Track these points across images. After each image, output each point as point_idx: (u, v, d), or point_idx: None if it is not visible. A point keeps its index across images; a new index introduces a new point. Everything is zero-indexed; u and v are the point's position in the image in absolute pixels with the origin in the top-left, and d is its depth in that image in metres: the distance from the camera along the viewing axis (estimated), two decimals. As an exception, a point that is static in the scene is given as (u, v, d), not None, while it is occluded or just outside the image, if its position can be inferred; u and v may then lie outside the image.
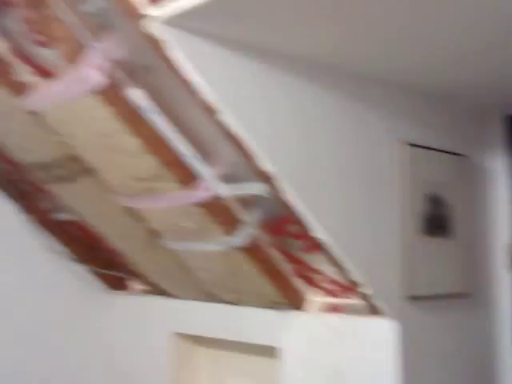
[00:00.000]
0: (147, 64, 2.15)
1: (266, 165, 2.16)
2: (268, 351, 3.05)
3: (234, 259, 2.80)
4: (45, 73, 2.44)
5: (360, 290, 2.55)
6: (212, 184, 2.54)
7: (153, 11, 1.83)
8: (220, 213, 2.62)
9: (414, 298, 2.66)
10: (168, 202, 2.64)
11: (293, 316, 2.91)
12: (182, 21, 1.83)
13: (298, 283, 2.88)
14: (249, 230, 2.69)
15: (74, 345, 3.69)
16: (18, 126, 2.71)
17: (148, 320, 3.62)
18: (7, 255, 3.44)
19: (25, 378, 3.46)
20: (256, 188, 2.45)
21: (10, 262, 3.45)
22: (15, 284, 3.47)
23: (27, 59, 2.44)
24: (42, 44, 2.32)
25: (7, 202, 3.41)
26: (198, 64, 1.91)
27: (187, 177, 2.51)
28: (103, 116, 2.36)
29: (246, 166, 2.30)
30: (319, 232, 2.34)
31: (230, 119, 2.01)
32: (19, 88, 2.49)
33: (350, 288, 2.69)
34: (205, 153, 2.46)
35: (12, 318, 3.44)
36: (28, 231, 3.38)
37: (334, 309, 2.83)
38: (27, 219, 3.35)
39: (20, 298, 3.49)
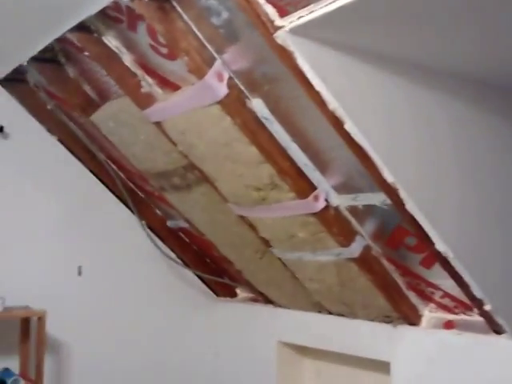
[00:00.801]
0: (270, 74, 2.18)
1: (387, 175, 2.12)
2: (377, 366, 2.99)
3: (346, 270, 2.78)
4: (168, 84, 2.54)
5: (480, 305, 2.45)
6: (328, 194, 2.54)
7: (280, 22, 1.85)
8: (334, 223, 2.61)
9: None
10: (283, 212, 2.66)
11: (405, 331, 2.84)
12: (308, 30, 1.85)
13: (412, 297, 2.82)
14: (363, 241, 2.67)
15: (181, 348, 3.78)
16: (142, 137, 2.82)
17: (255, 328, 3.66)
18: (122, 259, 3.58)
19: (136, 377, 3.58)
20: (373, 198, 2.43)
21: (125, 266, 3.59)
22: (129, 286, 3.61)
23: (152, 71, 2.55)
24: (167, 56, 2.42)
25: (124, 209, 3.55)
26: (323, 73, 1.92)
27: (303, 187, 2.52)
28: (223, 126, 2.41)
29: (365, 176, 2.28)
30: (439, 245, 2.28)
31: (354, 129, 2.00)
32: (144, 99, 2.59)
33: (467, 303, 2.60)
34: (322, 163, 2.47)
35: (124, 318, 3.58)
36: (143, 237, 3.50)
37: (449, 325, 2.74)
38: (142, 225, 3.48)
39: (133, 299, 3.62)
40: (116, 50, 2.52)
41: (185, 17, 2.18)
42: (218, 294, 3.94)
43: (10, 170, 3.23)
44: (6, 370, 3.00)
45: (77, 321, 3.37)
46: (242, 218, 2.95)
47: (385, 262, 2.72)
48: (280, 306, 3.53)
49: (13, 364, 3.05)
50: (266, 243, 3.02)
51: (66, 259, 3.39)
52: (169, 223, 3.67)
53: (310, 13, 1.74)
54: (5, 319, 3.03)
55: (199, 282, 3.87)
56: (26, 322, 3.06)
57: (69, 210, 3.41)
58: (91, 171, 3.45)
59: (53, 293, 3.27)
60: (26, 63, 2.83)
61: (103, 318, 3.50)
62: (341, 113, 1.99)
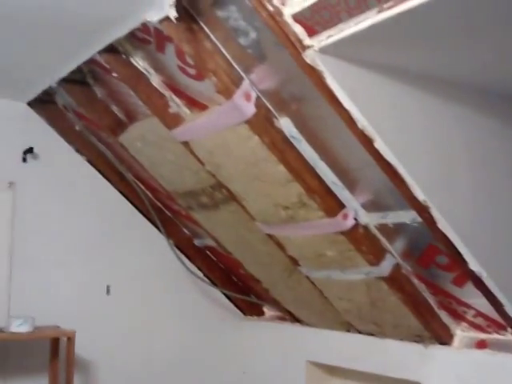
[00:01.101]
0: (298, 93, 2.18)
1: (418, 193, 2.10)
2: (408, 386, 2.95)
3: (376, 289, 2.74)
4: (196, 104, 2.55)
5: (514, 325, 2.41)
6: (357, 212, 2.52)
7: (309, 41, 1.85)
8: (364, 242, 2.59)
9: None
10: (311, 231, 2.65)
11: (436, 350, 2.79)
12: (337, 49, 1.85)
13: (443, 316, 2.77)
14: (393, 259, 2.63)
15: (208, 367, 3.75)
16: (170, 157, 2.84)
17: (283, 347, 3.62)
18: (150, 278, 3.59)
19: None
20: (403, 216, 2.40)
21: (153, 285, 3.60)
22: (157, 305, 3.62)
23: (179, 92, 2.56)
24: (195, 77, 2.43)
25: (152, 228, 3.57)
26: (352, 92, 1.91)
27: (332, 205, 2.50)
28: (251, 145, 2.41)
29: (394, 194, 2.26)
30: (472, 264, 2.24)
31: (384, 147, 1.98)
32: (172, 120, 2.61)
33: (501, 322, 2.55)
34: (350, 181, 2.45)
35: (151, 337, 3.58)
36: (170, 256, 3.50)
37: (482, 344, 2.68)
38: (170, 244, 3.49)
39: (160, 318, 3.62)
40: (144, 71, 2.55)
41: (212, 37, 2.19)
42: (245, 313, 3.92)
43: (39, 191, 3.27)
44: (36, 389, 3.01)
45: (105, 340, 3.38)
46: (269, 236, 2.94)
47: (415, 281, 2.68)
48: (308, 325, 3.50)
49: (42, 383, 3.06)
50: (294, 262, 3.00)
51: (94, 278, 3.41)
52: (196, 242, 3.67)
53: (339, 32, 1.74)
54: (35, 339, 3.05)
55: (226, 300, 3.86)
56: (55, 342, 3.07)
57: (97, 229, 3.44)
58: (119, 191, 3.48)
59: (82, 312, 3.29)
60: (55, 85, 2.87)
61: (131, 337, 3.50)
62: (370, 131, 1.98)
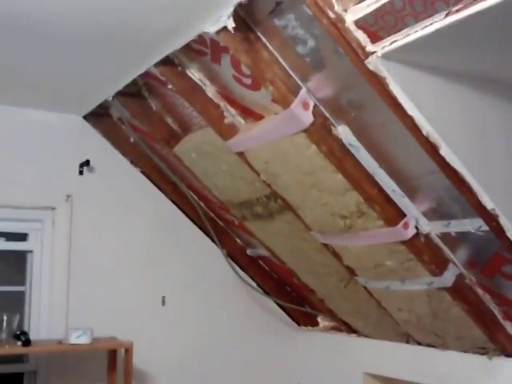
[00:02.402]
0: (357, 100, 2.14)
1: (486, 201, 2.03)
2: (472, 400, 2.85)
3: (439, 300, 2.66)
4: (251, 114, 2.53)
5: None
6: (418, 221, 2.45)
7: (372, 48, 1.81)
8: (425, 251, 2.51)
9: None
10: (370, 240, 2.59)
11: (502, 363, 2.69)
12: (401, 55, 1.80)
13: (509, 327, 2.66)
14: (456, 269, 2.55)
15: (263, 377, 3.71)
16: (224, 167, 2.83)
17: (339, 358, 3.56)
18: (204, 288, 3.58)
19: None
20: (467, 225, 2.32)
21: (207, 295, 3.59)
22: (211, 314, 3.60)
23: (234, 102, 2.55)
24: (250, 87, 2.41)
25: (205, 238, 3.56)
26: (417, 98, 1.86)
27: (392, 214, 2.44)
28: (308, 154, 2.38)
29: (459, 202, 2.19)
30: (543, 273, 2.15)
31: (450, 153, 1.92)
32: (227, 130, 2.60)
33: None
34: (411, 189, 2.38)
35: (206, 347, 3.56)
36: (224, 266, 3.49)
37: (550, 357, 2.58)
38: (223, 254, 3.48)
39: (214, 328, 3.61)
40: (199, 82, 2.55)
41: (269, 47, 2.17)
42: (299, 323, 3.87)
43: (95, 203, 3.30)
44: (94, 401, 3.03)
45: (161, 350, 3.39)
46: (325, 246, 2.90)
47: (479, 291, 2.60)
48: (364, 336, 3.43)
49: (100, 394, 3.09)
50: (351, 272, 2.94)
51: (150, 289, 3.42)
52: (249, 251, 3.65)
53: (404, 37, 1.70)
54: (93, 350, 3.07)
55: (280, 310, 3.82)
56: (113, 353, 3.09)
57: (152, 240, 3.45)
58: (173, 201, 3.49)
59: (138, 323, 3.30)
60: (110, 98, 2.90)
61: (186, 347, 3.49)
62: (435, 137, 1.93)
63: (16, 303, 3.20)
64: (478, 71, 1.89)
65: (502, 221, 2.05)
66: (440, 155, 1.96)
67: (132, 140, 3.17)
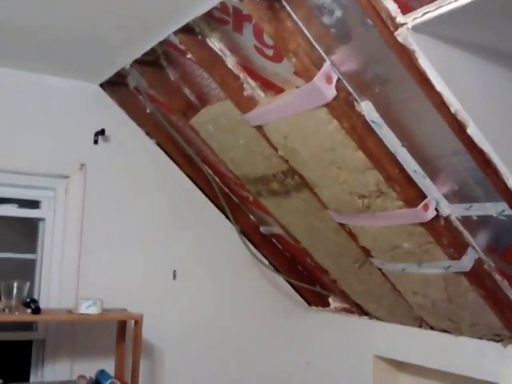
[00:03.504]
0: (382, 75, 2.06)
1: (512, 183, 1.96)
2: (484, 387, 2.81)
3: (455, 285, 2.60)
4: (271, 87, 2.47)
5: None
6: (438, 203, 2.39)
7: (402, 19, 1.74)
8: (444, 234, 2.45)
9: None
10: (388, 221, 2.53)
11: (517, 351, 2.65)
12: (432, 28, 1.72)
13: (526, 315, 2.61)
14: (475, 254, 2.49)
15: (272, 355, 3.69)
16: (241, 141, 2.77)
17: (349, 340, 3.53)
18: (216, 264, 3.55)
19: (226, 382, 3.54)
20: (490, 209, 2.25)
21: (218, 271, 3.56)
22: (222, 290, 3.58)
23: (255, 73, 2.48)
24: (272, 58, 2.34)
25: (218, 214, 3.52)
26: (447, 74, 1.78)
27: (412, 195, 2.38)
28: (329, 130, 2.31)
29: (482, 185, 2.12)
30: None
31: (478, 133, 1.85)
32: (246, 103, 2.54)
33: None
34: (433, 170, 2.31)
35: (215, 323, 3.54)
36: (236, 242, 3.46)
37: None
38: (237, 230, 3.44)
39: (225, 304, 3.59)
40: (219, 53, 2.48)
41: (294, 16, 2.10)
42: (309, 303, 3.84)
43: (109, 173, 3.27)
44: (102, 371, 3.01)
45: (171, 324, 3.37)
46: (341, 225, 2.84)
47: (498, 277, 2.53)
48: (376, 318, 3.39)
49: (109, 366, 3.07)
50: (367, 253, 2.89)
51: (161, 263, 3.40)
52: (262, 229, 3.60)
53: (437, 8, 1.62)
54: (103, 321, 3.05)
55: (291, 289, 3.79)
56: (122, 325, 3.07)
57: (165, 213, 3.42)
58: (188, 175, 3.44)
59: (148, 296, 3.29)
60: (128, 66, 2.84)
61: (196, 322, 3.48)
62: (463, 116, 1.85)
63: (27, 271, 3.18)
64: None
65: (528, 204, 1.98)
66: (467, 135, 1.89)
67: (148, 111, 3.12)
